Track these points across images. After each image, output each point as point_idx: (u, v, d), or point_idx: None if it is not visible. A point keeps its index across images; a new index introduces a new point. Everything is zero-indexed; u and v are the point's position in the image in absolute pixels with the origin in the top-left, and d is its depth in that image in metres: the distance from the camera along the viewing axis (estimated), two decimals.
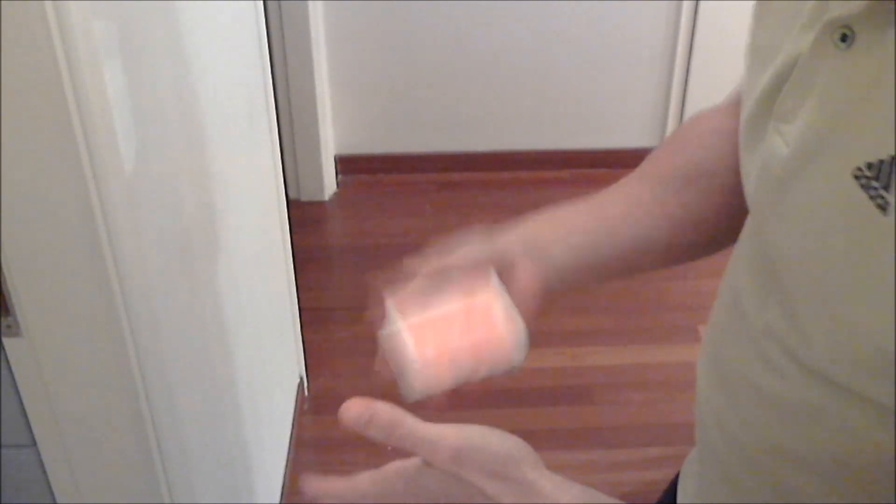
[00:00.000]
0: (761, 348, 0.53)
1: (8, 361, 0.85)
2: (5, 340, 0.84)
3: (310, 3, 2.46)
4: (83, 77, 0.73)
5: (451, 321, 0.61)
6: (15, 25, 0.68)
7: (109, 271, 0.81)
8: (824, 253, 0.46)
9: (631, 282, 1.36)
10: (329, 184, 2.79)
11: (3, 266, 0.79)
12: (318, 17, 2.55)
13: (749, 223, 0.60)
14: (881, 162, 0.42)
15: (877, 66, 0.43)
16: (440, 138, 2.85)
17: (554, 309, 2.62)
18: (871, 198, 0.42)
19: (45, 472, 0.93)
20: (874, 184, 0.42)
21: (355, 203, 2.79)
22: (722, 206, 0.68)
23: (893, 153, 0.42)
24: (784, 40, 0.52)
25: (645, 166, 0.73)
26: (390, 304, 0.63)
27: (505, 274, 0.65)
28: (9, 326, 0.83)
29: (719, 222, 0.69)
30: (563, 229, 0.68)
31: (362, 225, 2.70)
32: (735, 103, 0.72)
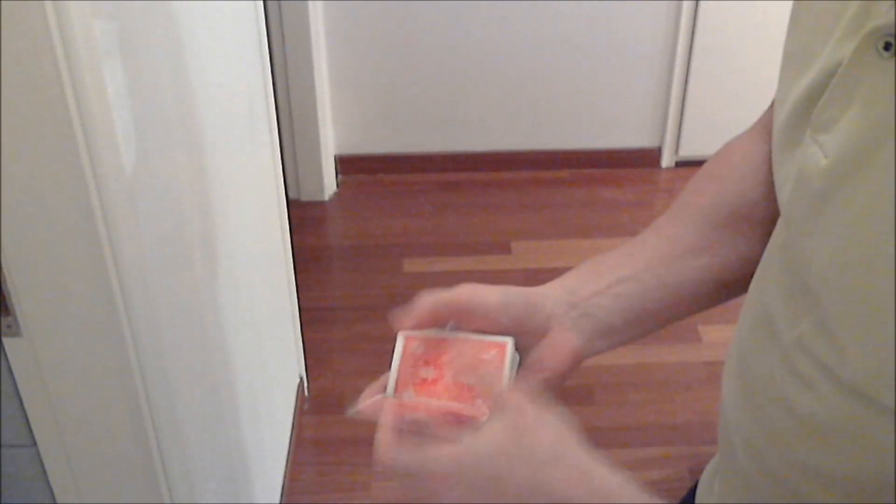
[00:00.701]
0: (793, 363, 0.52)
1: (8, 361, 0.85)
2: (5, 340, 0.84)
3: (310, 3, 2.46)
4: (83, 77, 0.72)
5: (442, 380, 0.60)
6: (15, 25, 0.68)
7: (109, 271, 0.81)
8: (864, 267, 0.44)
9: None
10: (329, 184, 2.79)
11: (3, 266, 0.79)
12: (318, 17, 2.55)
13: (779, 234, 0.58)
14: None
15: None
16: (440, 138, 2.85)
17: None
18: None
19: (45, 472, 0.93)
20: None
21: (355, 203, 2.79)
22: (764, 238, 0.65)
23: None
24: (821, 47, 0.51)
25: (682, 202, 0.70)
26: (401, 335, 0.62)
27: (536, 337, 0.62)
28: (9, 326, 0.83)
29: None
30: (606, 279, 0.64)
31: (362, 225, 2.70)
32: (764, 126, 0.70)
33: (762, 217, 0.66)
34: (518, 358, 0.62)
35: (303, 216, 2.64)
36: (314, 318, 2.21)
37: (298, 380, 2.02)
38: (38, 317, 0.83)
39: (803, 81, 0.52)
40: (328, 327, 2.24)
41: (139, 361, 0.88)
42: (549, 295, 0.64)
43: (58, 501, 0.96)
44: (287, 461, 1.84)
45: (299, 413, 1.98)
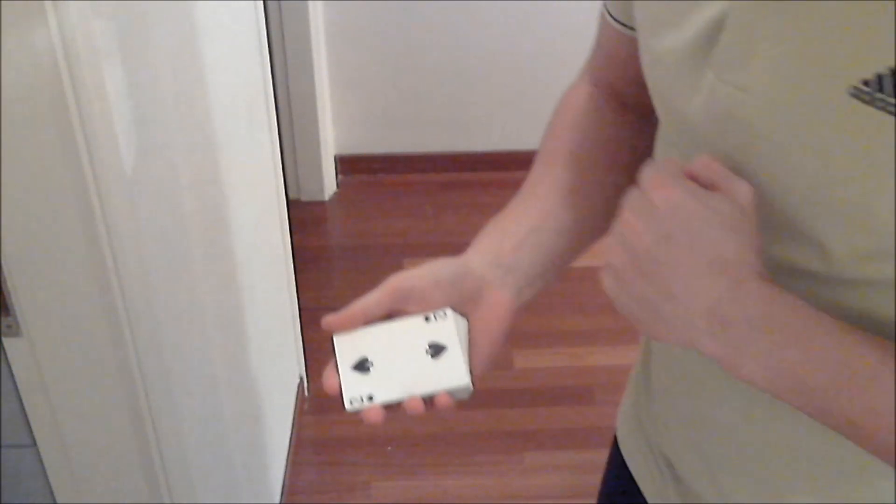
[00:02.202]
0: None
1: (8, 361, 0.85)
2: (5, 340, 0.84)
3: (310, 3, 2.46)
4: (83, 77, 0.73)
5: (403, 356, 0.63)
6: (15, 25, 0.68)
7: (109, 271, 0.81)
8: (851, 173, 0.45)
9: None
10: (329, 184, 2.79)
11: (3, 266, 0.79)
12: (318, 17, 2.55)
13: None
14: (879, 77, 0.42)
15: None
16: (440, 138, 2.85)
17: (554, 309, 2.57)
18: (880, 109, 0.42)
19: (45, 472, 0.93)
20: (879, 95, 0.42)
21: (355, 203, 2.79)
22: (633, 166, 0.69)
23: (893, 65, 0.41)
24: (679, 7, 0.53)
25: (548, 151, 0.74)
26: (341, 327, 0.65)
27: (471, 303, 0.65)
28: (9, 326, 0.83)
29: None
30: (517, 235, 0.69)
31: (362, 225, 2.70)
32: (591, 74, 0.74)
33: (618, 160, 0.71)
34: (466, 321, 0.65)
35: (303, 216, 2.64)
36: (314, 318, 2.21)
37: (298, 380, 2.02)
38: (38, 317, 0.83)
39: (681, 34, 0.53)
40: None
41: (139, 361, 0.88)
42: (473, 260, 0.68)
43: (58, 501, 0.96)
44: (287, 461, 1.84)
45: (299, 413, 1.98)
